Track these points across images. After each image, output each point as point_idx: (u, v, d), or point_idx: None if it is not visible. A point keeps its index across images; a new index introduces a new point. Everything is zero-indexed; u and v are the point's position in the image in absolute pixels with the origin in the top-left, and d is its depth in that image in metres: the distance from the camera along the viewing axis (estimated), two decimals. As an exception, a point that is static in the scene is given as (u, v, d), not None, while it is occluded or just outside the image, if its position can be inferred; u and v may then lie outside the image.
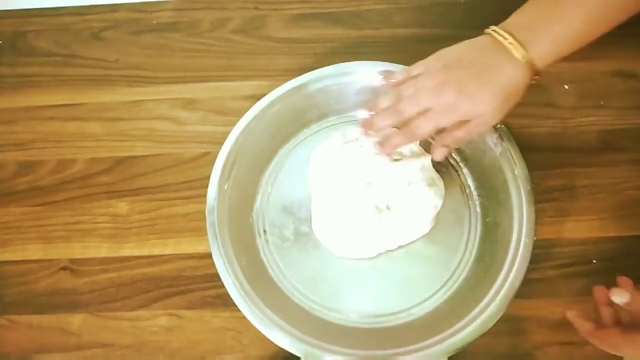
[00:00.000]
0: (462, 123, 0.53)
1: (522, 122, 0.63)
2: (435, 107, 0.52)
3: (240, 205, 0.63)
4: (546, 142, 0.64)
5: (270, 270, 0.61)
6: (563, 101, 0.69)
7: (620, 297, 0.49)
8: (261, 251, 0.62)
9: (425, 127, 0.53)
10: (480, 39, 0.52)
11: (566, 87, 0.70)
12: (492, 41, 0.51)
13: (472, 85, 0.50)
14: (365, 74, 0.65)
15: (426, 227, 0.61)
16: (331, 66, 0.65)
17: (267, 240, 0.63)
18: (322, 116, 0.68)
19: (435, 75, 0.52)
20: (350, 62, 0.65)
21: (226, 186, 0.61)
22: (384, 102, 0.55)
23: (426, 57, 0.55)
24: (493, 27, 0.51)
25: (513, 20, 0.51)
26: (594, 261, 0.61)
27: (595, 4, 0.49)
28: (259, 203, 0.64)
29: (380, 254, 0.61)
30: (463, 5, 0.76)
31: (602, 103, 0.69)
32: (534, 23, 0.50)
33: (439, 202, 0.61)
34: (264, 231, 0.63)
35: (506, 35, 0.50)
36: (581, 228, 0.63)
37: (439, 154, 0.56)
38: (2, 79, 0.75)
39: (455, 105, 0.51)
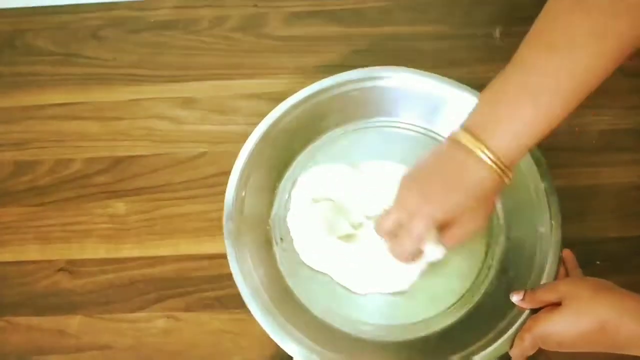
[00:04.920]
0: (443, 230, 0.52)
1: (524, 121, 0.62)
2: (403, 218, 0.51)
3: (258, 212, 0.62)
4: (548, 141, 0.63)
5: (287, 279, 0.60)
6: (565, 100, 0.69)
7: (517, 296, 0.54)
8: (278, 260, 0.61)
9: (404, 244, 0.52)
10: (444, 146, 0.50)
11: (568, 86, 0.69)
12: (455, 145, 0.48)
13: (437, 189, 0.49)
14: (388, 79, 0.65)
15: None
16: (352, 71, 0.65)
17: (283, 249, 0.62)
18: (341, 122, 0.67)
19: (403, 192, 0.51)
20: (372, 68, 0.65)
21: (243, 193, 0.60)
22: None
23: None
24: (455, 131, 0.49)
25: (472, 119, 0.49)
26: (598, 262, 0.61)
27: (549, 94, 0.46)
28: (275, 211, 0.63)
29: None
30: (465, 3, 0.75)
31: (603, 102, 0.68)
32: (491, 122, 0.47)
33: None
34: (281, 239, 0.62)
35: (468, 136, 0.47)
36: (583, 229, 0.62)
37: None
38: (0, 77, 0.75)
39: (419, 209, 0.49)
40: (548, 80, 0.46)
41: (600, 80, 0.46)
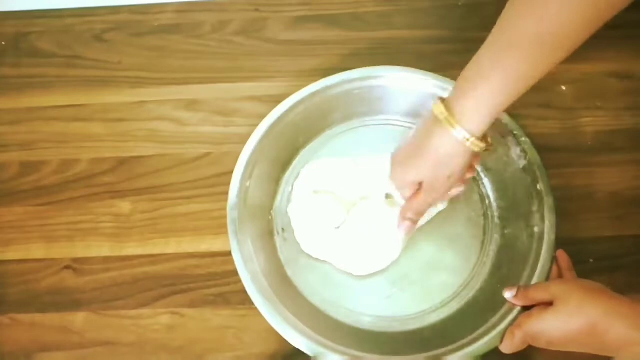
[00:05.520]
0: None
1: (520, 123, 0.64)
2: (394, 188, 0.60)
3: (261, 203, 0.64)
4: (543, 142, 0.64)
5: (286, 269, 0.62)
6: (560, 102, 0.70)
7: (509, 293, 0.55)
8: (279, 249, 0.63)
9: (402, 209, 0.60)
10: (426, 117, 0.54)
11: (563, 88, 0.70)
12: (432, 117, 0.52)
13: (412, 157, 0.55)
14: (390, 78, 0.66)
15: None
16: (355, 70, 0.66)
17: (284, 239, 0.63)
18: (345, 118, 0.69)
19: (392, 166, 0.59)
20: (375, 67, 0.66)
21: (248, 184, 0.62)
22: None
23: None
24: (438, 98, 0.52)
25: (451, 93, 0.52)
26: (591, 260, 0.62)
27: (513, 62, 0.48)
28: (278, 201, 0.65)
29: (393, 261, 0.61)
30: (461, 7, 0.77)
31: (598, 104, 0.69)
32: (463, 94, 0.50)
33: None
34: (282, 229, 0.64)
35: (442, 108, 0.51)
36: (578, 228, 0.63)
37: (403, 229, 0.60)
38: (5, 79, 0.76)
39: (402, 179, 0.57)
40: (515, 51, 0.47)
41: (579, 38, 0.47)
